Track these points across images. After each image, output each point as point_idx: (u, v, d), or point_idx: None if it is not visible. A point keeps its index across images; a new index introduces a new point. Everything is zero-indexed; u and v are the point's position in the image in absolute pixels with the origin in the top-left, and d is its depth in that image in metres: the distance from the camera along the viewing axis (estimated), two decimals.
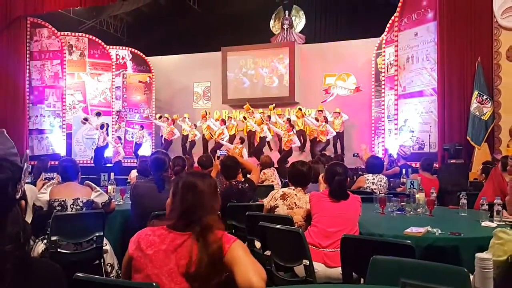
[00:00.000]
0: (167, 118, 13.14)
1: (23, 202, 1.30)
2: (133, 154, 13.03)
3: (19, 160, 1.35)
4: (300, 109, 12.37)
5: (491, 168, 4.52)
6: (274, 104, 12.88)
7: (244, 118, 12.69)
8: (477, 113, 7.97)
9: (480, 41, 8.17)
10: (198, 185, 1.79)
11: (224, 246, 1.64)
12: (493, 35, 8.02)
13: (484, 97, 7.92)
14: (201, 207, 1.74)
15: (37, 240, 3.60)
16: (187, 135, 13.13)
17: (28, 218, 3.67)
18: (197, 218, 1.71)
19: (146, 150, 13.25)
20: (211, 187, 1.83)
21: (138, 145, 13.36)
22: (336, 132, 11.82)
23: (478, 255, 1.66)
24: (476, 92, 7.98)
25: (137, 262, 1.70)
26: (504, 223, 3.23)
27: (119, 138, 12.84)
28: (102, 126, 12.16)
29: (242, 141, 11.84)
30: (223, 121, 12.84)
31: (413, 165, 8.34)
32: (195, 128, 13.10)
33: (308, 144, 12.26)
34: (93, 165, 11.94)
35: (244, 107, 12.87)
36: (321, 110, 12.01)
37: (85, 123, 12.52)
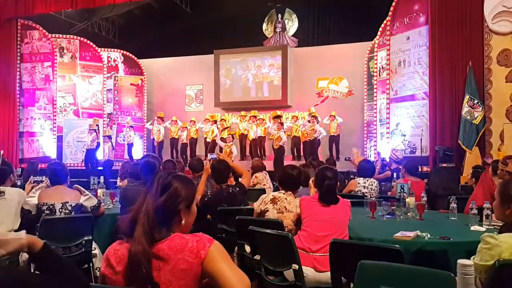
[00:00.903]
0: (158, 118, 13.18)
1: None
2: (128, 156, 12.93)
3: None
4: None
5: (481, 172, 4.53)
6: (280, 114, 12.93)
7: (254, 117, 12.69)
8: (468, 117, 8.02)
9: (471, 45, 8.23)
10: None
11: (200, 253, 1.55)
12: (484, 40, 8.09)
13: (475, 101, 7.98)
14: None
15: None
16: (178, 138, 13.11)
17: (17, 223, 3.63)
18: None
19: (138, 152, 13.19)
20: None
21: (130, 145, 13.25)
22: (332, 136, 11.84)
23: (460, 261, 1.66)
24: (467, 96, 8.03)
25: (109, 280, 1.62)
26: (493, 227, 3.24)
27: (109, 137, 12.70)
28: (110, 137, 12.57)
29: (232, 138, 12.03)
30: (214, 121, 12.88)
31: None
32: (186, 129, 13.08)
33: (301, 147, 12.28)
34: (84, 167, 11.89)
35: (251, 112, 12.92)
36: (315, 116, 11.95)
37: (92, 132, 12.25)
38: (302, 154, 11.94)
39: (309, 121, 11.74)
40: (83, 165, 12.25)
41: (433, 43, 8.72)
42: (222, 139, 12.18)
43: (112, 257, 1.62)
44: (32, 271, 3.22)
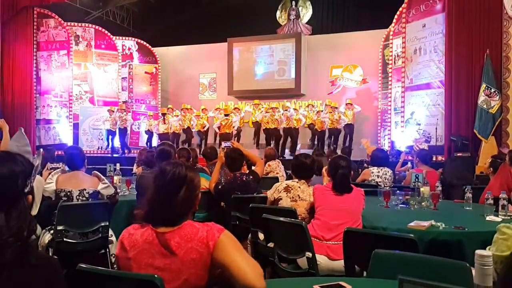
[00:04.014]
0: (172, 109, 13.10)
1: (30, 197, 1.32)
2: (147, 144, 12.89)
3: (31, 158, 1.37)
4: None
5: (500, 163, 4.45)
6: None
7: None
8: (485, 106, 7.89)
9: (489, 33, 8.07)
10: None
11: (209, 244, 1.57)
12: (502, 27, 7.93)
13: (492, 90, 7.84)
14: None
15: (44, 230, 3.63)
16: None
17: (35, 209, 3.69)
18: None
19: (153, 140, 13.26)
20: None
21: (150, 134, 13.14)
22: (346, 124, 11.65)
23: (478, 252, 1.65)
24: (484, 85, 7.90)
25: (122, 263, 1.66)
26: (509, 217, 3.21)
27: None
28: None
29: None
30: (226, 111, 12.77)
31: None
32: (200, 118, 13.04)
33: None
34: (99, 154, 12.12)
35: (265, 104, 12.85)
36: (332, 106, 11.78)
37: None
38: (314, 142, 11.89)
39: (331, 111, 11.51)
40: (99, 152, 12.57)
41: (450, 30, 8.57)
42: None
43: (126, 240, 1.66)
44: (50, 255, 3.32)
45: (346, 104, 11.64)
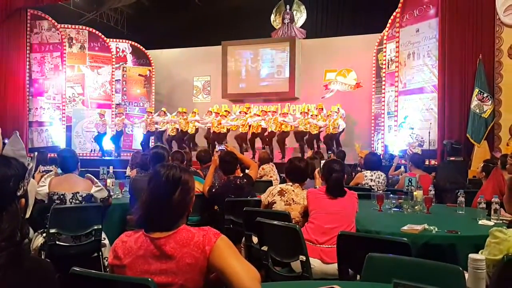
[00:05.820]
0: (164, 112, 13.00)
1: (23, 200, 1.30)
2: (141, 145, 12.77)
3: (26, 163, 1.35)
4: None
5: (492, 167, 4.49)
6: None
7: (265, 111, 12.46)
8: (478, 110, 7.95)
9: (481, 38, 8.14)
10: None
11: (205, 249, 1.55)
12: (495, 33, 8.00)
13: (485, 95, 7.90)
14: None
15: (36, 233, 3.60)
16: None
17: (28, 212, 3.65)
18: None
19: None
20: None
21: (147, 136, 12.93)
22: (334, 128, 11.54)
23: (471, 255, 1.66)
24: (476, 90, 7.96)
25: (117, 271, 1.64)
26: (501, 221, 3.23)
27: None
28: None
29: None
30: (217, 114, 12.63)
31: None
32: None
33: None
34: (91, 157, 12.07)
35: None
36: (322, 108, 11.82)
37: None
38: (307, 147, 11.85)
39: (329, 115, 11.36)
40: (92, 155, 12.51)
41: (443, 35, 8.64)
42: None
43: (120, 249, 1.65)
44: (43, 258, 3.29)
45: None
